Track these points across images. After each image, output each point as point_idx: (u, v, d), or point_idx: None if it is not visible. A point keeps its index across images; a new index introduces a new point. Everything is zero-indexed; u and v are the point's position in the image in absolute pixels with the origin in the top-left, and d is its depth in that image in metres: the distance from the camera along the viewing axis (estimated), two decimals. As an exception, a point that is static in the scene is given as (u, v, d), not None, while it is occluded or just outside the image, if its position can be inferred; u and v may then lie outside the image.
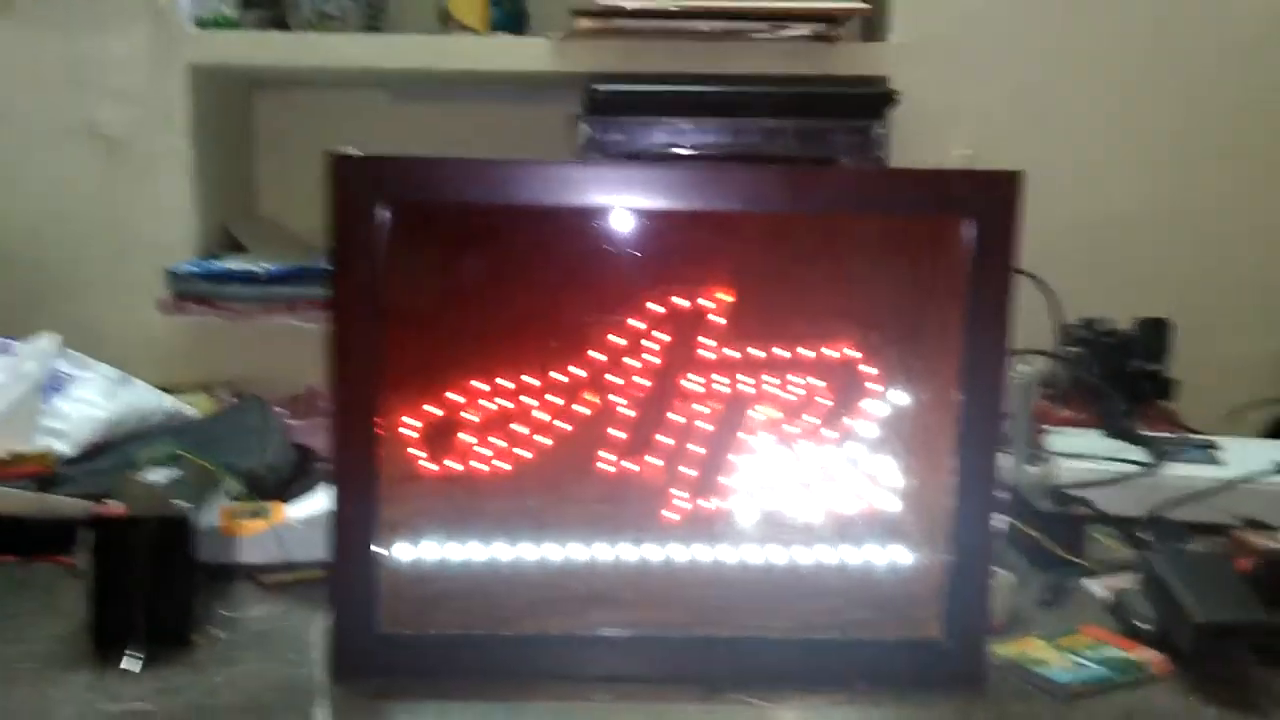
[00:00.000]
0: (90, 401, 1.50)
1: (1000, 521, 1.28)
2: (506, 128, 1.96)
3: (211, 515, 1.13)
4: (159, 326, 1.76)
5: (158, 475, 1.07)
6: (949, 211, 0.93)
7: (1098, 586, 1.16)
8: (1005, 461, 1.43)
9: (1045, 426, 1.63)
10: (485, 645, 0.96)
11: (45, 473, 1.31)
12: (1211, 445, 1.53)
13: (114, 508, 0.99)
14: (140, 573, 0.96)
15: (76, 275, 1.79)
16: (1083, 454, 1.49)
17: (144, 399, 1.56)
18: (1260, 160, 1.96)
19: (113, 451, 1.43)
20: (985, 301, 0.93)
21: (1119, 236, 1.94)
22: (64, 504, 1.16)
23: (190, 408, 1.64)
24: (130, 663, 0.94)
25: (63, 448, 1.42)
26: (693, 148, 1.67)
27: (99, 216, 1.78)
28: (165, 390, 1.63)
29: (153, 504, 0.98)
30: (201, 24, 1.78)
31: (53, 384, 1.51)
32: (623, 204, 0.92)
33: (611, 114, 1.67)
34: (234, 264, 1.74)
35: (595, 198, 0.91)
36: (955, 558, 0.96)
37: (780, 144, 1.69)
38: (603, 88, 1.65)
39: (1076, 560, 1.22)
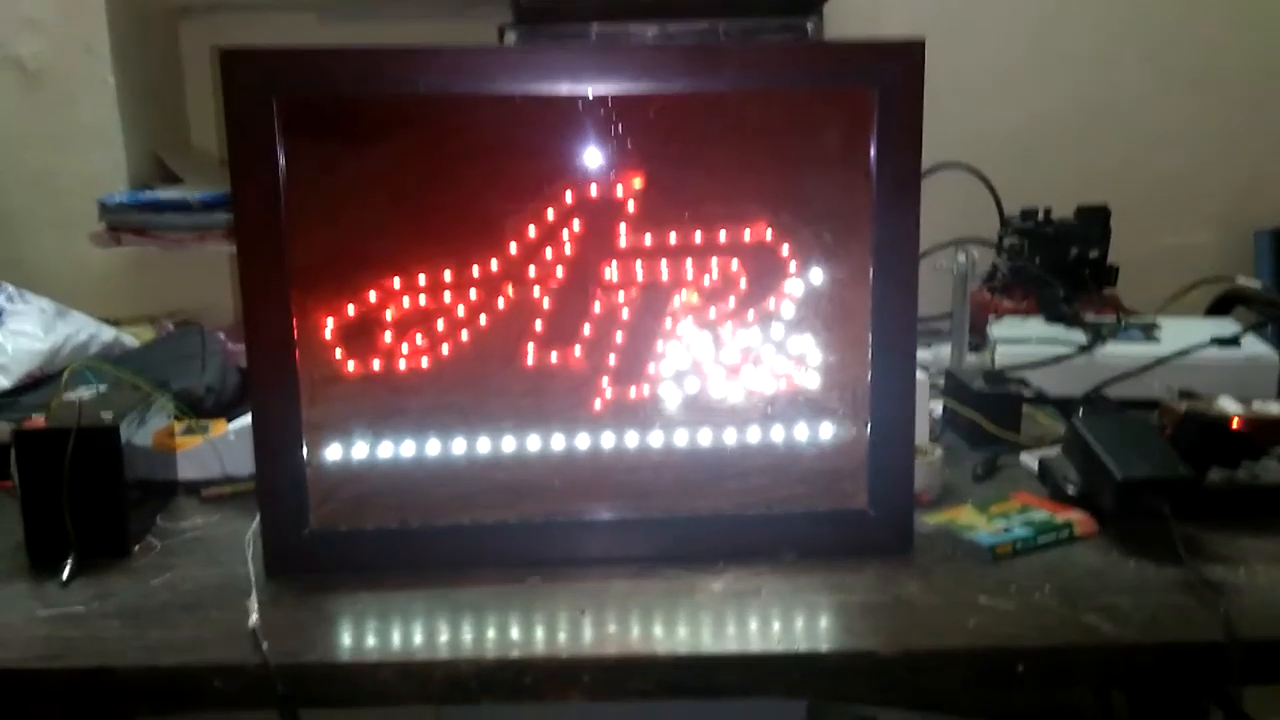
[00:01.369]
0: (28, 334, 1.49)
1: (930, 399, 1.30)
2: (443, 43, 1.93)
3: (148, 432, 1.13)
4: (96, 259, 1.74)
5: (83, 392, 1.07)
6: (852, 83, 0.92)
7: (1031, 460, 1.18)
8: (945, 348, 1.45)
9: (990, 316, 1.64)
10: (417, 537, 0.97)
11: (-20, 403, 1.30)
12: (1152, 326, 1.55)
13: (35, 422, 0.99)
14: (65, 483, 0.95)
15: (8, 209, 1.77)
16: (1023, 339, 1.50)
17: (82, 330, 1.55)
18: (1186, 54, 1.96)
19: (52, 383, 1.42)
20: (894, 171, 0.93)
21: (1053, 131, 1.94)
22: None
23: (131, 338, 1.63)
24: (64, 571, 0.94)
25: (3, 381, 1.41)
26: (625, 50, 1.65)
27: (25, 149, 1.75)
28: (107, 322, 1.62)
29: (74, 417, 0.98)
30: (118, -53, 1.74)
31: (-11, 318, 1.50)
32: (528, 88, 0.91)
33: (539, 22, 1.65)
34: (166, 193, 1.72)
35: (499, 83, 0.90)
36: (876, 429, 0.97)
37: (708, 44, 1.67)
38: (529, -5, 1.63)
39: (1011, 437, 1.23)
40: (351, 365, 0.97)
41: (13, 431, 0.98)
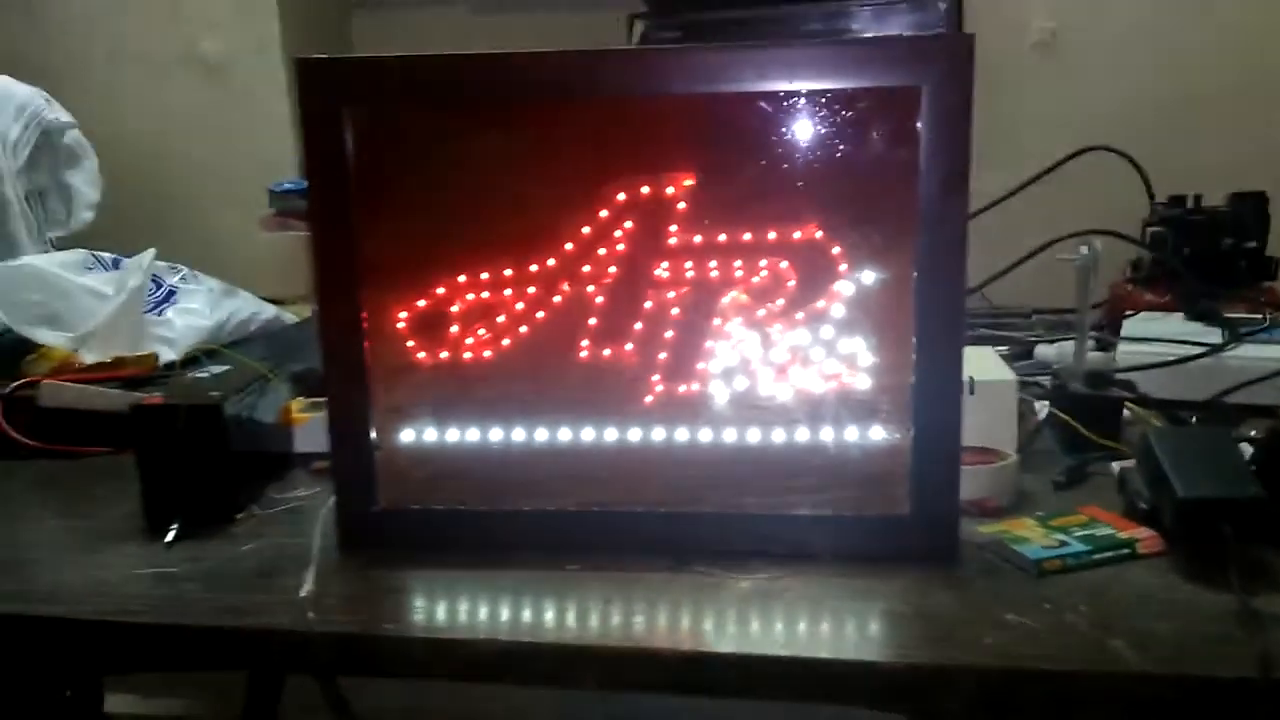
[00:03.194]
0: (196, 311, 1.65)
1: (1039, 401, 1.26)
2: (582, 34, 1.98)
3: (272, 407, 1.23)
4: (266, 240, 1.89)
5: (203, 372, 1.18)
6: (898, 80, 0.91)
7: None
8: (1065, 347, 1.39)
9: (1128, 311, 1.57)
10: (475, 520, 1.02)
11: (142, 375, 1.46)
12: (1311, 325, 1.43)
13: (153, 399, 1.10)
14: (175, 454, 1.07)
15: (194, 194, 1.95)
16: (1151, 338, 1.42)
17: (245, 308, 1.70)
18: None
19: (213, 357, 1.57)
20: (941, 171, 0.91)
21: (1209, 110, 1.81)
22: (114, 398, 1.28)
23: (292, 315, 1.77)
24: (171, 535, 1.05)
25: (170, 354, 1.57)
26: (750, 38, 1.65)
27: (208, 139, 1.93)
28: (272, 301, 1.77)
29: (186, 394, 1.09)
30: (287, -50, 1.87)
31: (164, 296, 1.67)
32: (569, 91, 0.94)
33: (668, 11, 1.67)
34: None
35: (546, 88, 0.94)
36: (919, 433, 0.95)
37: (840, 26, 1.65)
38: (656, -16, 1.65)
39: (1106, 444, 1.18)
40: (422, 355, 1.04)
41: (130, 407, 1.09)
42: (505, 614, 0.90)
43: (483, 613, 0.91)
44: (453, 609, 0.92)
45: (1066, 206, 1.76)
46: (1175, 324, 1.48)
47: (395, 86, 0.97)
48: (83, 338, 1.50)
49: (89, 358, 1.50)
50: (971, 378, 1.14)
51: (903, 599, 0.90)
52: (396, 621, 0.90)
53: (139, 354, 1.48)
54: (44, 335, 1.50)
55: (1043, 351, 1.52)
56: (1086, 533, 0.98)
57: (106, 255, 1.67)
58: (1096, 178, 1.71)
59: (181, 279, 1.69)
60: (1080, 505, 1.05)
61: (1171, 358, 1.34)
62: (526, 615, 0.90)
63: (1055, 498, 1.10)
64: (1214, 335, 1.41)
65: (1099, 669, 0.80)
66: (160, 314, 1.62)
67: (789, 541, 0.98)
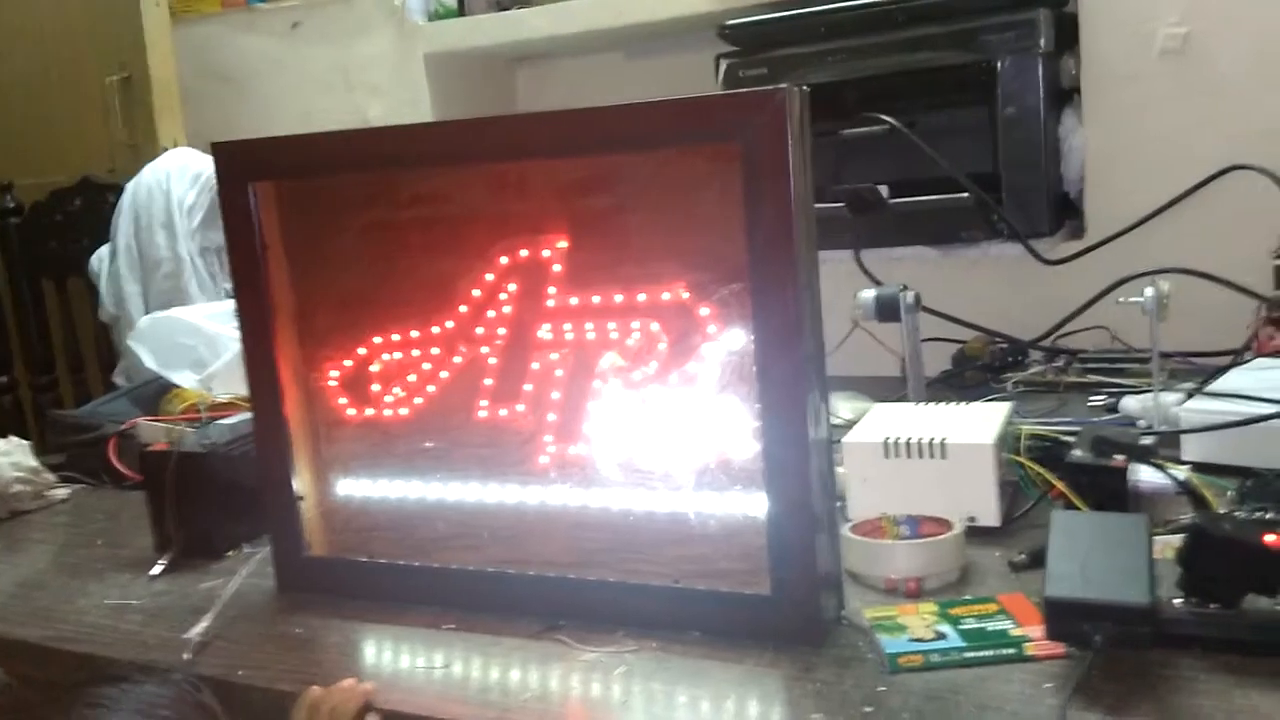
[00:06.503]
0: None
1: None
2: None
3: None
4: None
5: (226, 422, 1.30)
6: (715, 139, 0.85)
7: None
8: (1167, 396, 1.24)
9: (1260, 356, 1.35)
10: (384, 573, 1.06)
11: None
12: None
13: (158, 446, 1.23)
14: (163, 496, 1.18)
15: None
16: (1235, 393, 1.21)
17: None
18: None
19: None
20: (764, 227, 0.84)
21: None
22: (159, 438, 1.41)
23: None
24: (157, 568, 1.17)
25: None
26: (835, 75, 1.57)
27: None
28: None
29: (194, 441, 1.20)
30: (431, 18, 2.01)
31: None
32: (427, 160, 0.97)
33: (750, 49, 1.63)
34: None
35: (405, 157, 0.97)
36: (772, 504, 0.88)
37: (928, 54, 1.53)
38: (732, 22, 1.62)
39: (1103, 519, 1.02)
40: (351, 412, 1.09)
41: (139, 453, 1.23)
42: (335, 666, 0.93)
43: (326, 668, 0.94)
44: (303, 660, 0.95)
45: (1205, 234, 1.54)
46: (1289, 375, 1.24)
47: (293, 163, 1.03)
48: (208, 379, 1.68)
49: (220, 397, 1.68)
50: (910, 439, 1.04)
51: (720, 689, 0.84)
52: (258, 665, 0.95)
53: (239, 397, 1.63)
54: (179, 377, 1.69)
55: (1127, 404, 1.33)
56: (978, 626, 0.86)
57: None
58: (1240, 202, 1.48)
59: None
60: (1013, 592, 0.93)
61: (1230, 418, 1.14)
62: (355, 673, 0.92)
63: (1003, 580, 0.97)
64: (1331, 390, 1.18)
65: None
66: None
67: (654, 614, 0.94)
